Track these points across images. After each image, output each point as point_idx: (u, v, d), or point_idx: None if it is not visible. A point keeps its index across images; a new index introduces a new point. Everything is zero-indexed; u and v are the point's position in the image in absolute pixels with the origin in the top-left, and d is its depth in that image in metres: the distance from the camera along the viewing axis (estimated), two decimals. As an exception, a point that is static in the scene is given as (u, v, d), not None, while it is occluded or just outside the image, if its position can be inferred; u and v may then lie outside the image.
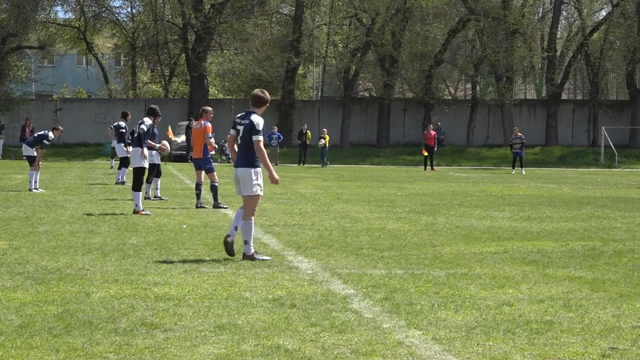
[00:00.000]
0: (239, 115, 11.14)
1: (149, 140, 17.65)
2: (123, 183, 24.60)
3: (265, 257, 10.72)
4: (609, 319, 7.61)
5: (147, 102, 50.64)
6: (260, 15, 59.61)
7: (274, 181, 10.76)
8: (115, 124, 26.45)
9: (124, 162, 25.63)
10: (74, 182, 26.10)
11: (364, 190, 24.36)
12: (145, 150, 17.15)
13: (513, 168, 40.11)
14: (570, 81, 61.84)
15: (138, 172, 16.88)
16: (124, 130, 25.66)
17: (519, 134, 40.40)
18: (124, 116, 26.31)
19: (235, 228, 10.81)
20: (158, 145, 18.76)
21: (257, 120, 10.76)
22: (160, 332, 6.88)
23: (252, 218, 10.80)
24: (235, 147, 11.03)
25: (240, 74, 58.09)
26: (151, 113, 17.86)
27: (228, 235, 10.76)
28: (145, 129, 17.35)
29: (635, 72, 56.95)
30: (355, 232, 13.87)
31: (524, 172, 38.43)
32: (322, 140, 44.04)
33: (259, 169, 10.75)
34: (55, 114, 56.14)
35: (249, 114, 10.89)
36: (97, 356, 6.18)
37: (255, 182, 10.71)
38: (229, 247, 10.67)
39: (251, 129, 10.71)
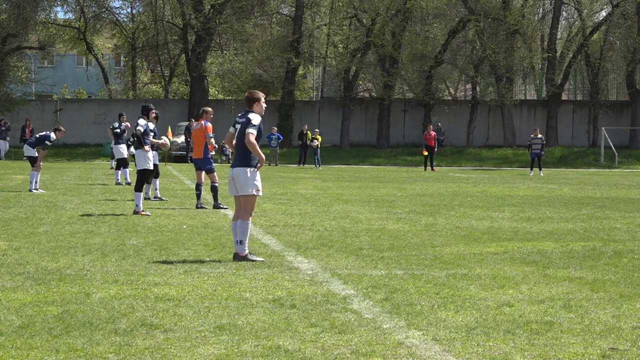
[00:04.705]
0: (239, 114, 11.18)
1: (151, 139, 17.63)
2: (129, 184, 24.53)
3: (259, 258, 10.66)
4: (609, 319, 7.61)
5: (147, 103, 50.65)
6: (260, 15, 59.64)
7: (261, 161, 10.72)
8: (111, 125, 26.76)
9: (122, 163, 25.67)
10: (74, 183, 26.10)
11: (364, 191, 24.36)
12: (150, 154, 17.15)
13: (531, 169, 39.50)
14: (570, 82, 61.81)
15: (142, 173, 16.90)
16: (118, 131, 25.80)
17: (539, 135, 39.52)
18: (119, 117, 26.83)
19: (240, 242, 10.69)
20: (160, 142, 18.75)
21: (253, 116, 10.80)
22: (161, 332, 6.88)
23: (250, 218, 10.79)
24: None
25: (240, 74, 58.09)
26: (143, 112, 17.89)
27: (235, 253, 10.69)
28: (142, 130, 17.40)
29: (635, 72, 56.94)
30: (355, 232, 13.87)
31: (542, 174, 37.78)
32: (315, 141, 44.08)
33: (254, 169, 10.74)
34: (55, 115, 56.16)
35: (247, 112, 10.92)
36: (97, 357, 6.18)
37: (251, 181, 10.69)
38: (241, 260, 10.58)
39: (246, 124, 10.73)
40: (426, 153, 41.46)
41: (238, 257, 10.60)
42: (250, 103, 10.95)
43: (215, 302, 8.08)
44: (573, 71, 60.37)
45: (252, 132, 10.69)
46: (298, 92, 60.93)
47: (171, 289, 8.65)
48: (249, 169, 10.72)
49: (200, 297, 8.28)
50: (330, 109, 57.97)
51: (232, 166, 10.91)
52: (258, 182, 10.79)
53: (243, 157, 10.78)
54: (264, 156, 10.86)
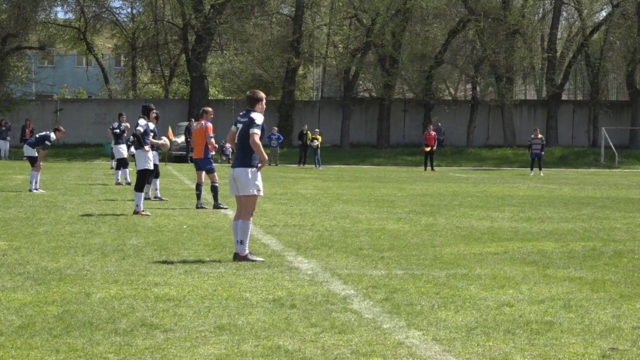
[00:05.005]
0: (240, 113, 11.16)
1: (151, 139, 17.63)
2: (129, 184, 24.52)
3: (259, 258, 10.66)
4: (609, 319, 7.61)
5: (147, 103, 50.63)
6: (260, 15, 59.63)
7: (264, 162, 10.73)
8: (111, 125, 26.84)
9: (122, 163, 25.66)
10: (74, 183, 26.10)
11: (364, 191, 24.36)
12: (150, 154, 17.16)
13: (531, 169, 39.47)
14: (570, 82, 61.80)
15: (142, 173, 16.89)
16: (117, 131, 25.83)
17: (539, 135, 39.45)
18: (119, 117, 27.06)
19: (240, 242, 10.71)
20: (160, 142, 18.75)
21: (256, 116, 10.78)
22: (161, 332, 6.88)
23: (251, 219, 10.79)
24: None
25: (240, 74, 58.10)
26: (144, 112, 17.89)
27: (236, 253, 10.69)
28: (142, 130, 17.40)
29: (635, 72, 56.93)
30: (355, 232, 13.87)
31: (542, 174, 37.68)
32: (315, 141, 44.09)
33: (255, 169, 10.74)
34: (55, 115, 56.16)
35: (248, 112, 10.90)
36: (97, 357, 6.19)
37: (252, 182, 10.69)
38: (241, 260, 10.59)
39: (250, 124, 10.71)
40: (428, 149, 41.36)
41: (238, 257, 10.60)
42: (253, 102, 10.93)
43: (215, 302, 8.08)
44: (573, 71, 60.37)
45: (257, 133, 10.68)
46: (298, 92, 60.93)
47: (171, 289, 8.65)
48: (250, 169, 10.72)
49: (200, 297, 8.28)
50: (330, 109, 57.96)
51: (233, 166, 10.90)
52: (259, 182, 10.79)
53: (244, 157, 10.78)
54: (266, 156, 10.87)
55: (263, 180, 11.25)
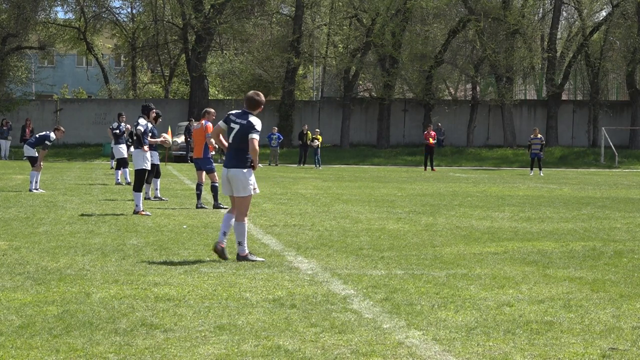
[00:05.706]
0: (234, 112, 11.07)
1: (149, 139, 17.64)
2: (129, 184, 24.52)
3: (259, 259, 10.67)
4: (609, 319, 7.61)
5: (147, 103, 50.58)
6: (260, 15, 59.64)
7: (255, 165, 10.77)
8: (111, 125, 26.89)
9: (122, 163, 25.66)
10: (74, 183, 26.09)
11: (364, 191, 24.36)
12: (148, 154, 17.16)
13: (531, 169, 39.48)
14: (570, 82, 61.79)
15: (140, 173, 16.90)
16: (117, 131, 25.86)
17: (539, 135, 39.46)
18: (118, 117, 27.11)
19: (224, 234, 10.72)
20: (160, 139, 18.74)
21: (255, 121, 10.78)
22: (161, 332, 6.88)
23: (245, 219, 10.78)
24: (223, 141, 11.05)
25: (240, 74, 58.10)
26: (144, 112, 17.88)
27: (218, 242, 10.69)
28: (143, 130, 17.40)
29: (635, 72, 56.93)
30: (355, 232, 13.87)
31: (542, 174, 37.64)
32: (316, 141, 44.11)
33: (250, 169, 10.75)
34: (55, 115, 56.16)
35: (246, 114, 10.85)
36: (97, 356, 6.19)
37: (248, 181, 10.70)
38: (220, 253, 10.61)
39: (249, 128, 10.70)
40: (432, 140, 41.36)
41: (239, 258, 10.61)
42: (254, 105, 10.90)
43: (215, 302, 8.08)
44: (573, 71, 60.35)
45: (257, 139, 10.69)
46: (298, 92, 60.93)
47: (171, 289, 8.65)
48: (245, 169, 10.73)
49: (200, 297, 8.28)
50: (330, 109, 57.97)
51: (227, 166, 10.87)
52: (253, 179, 10.83)
53: (240, 158, 10.76)
54: (257, 160, 10.88)
55: (262, 180, 11.26)
